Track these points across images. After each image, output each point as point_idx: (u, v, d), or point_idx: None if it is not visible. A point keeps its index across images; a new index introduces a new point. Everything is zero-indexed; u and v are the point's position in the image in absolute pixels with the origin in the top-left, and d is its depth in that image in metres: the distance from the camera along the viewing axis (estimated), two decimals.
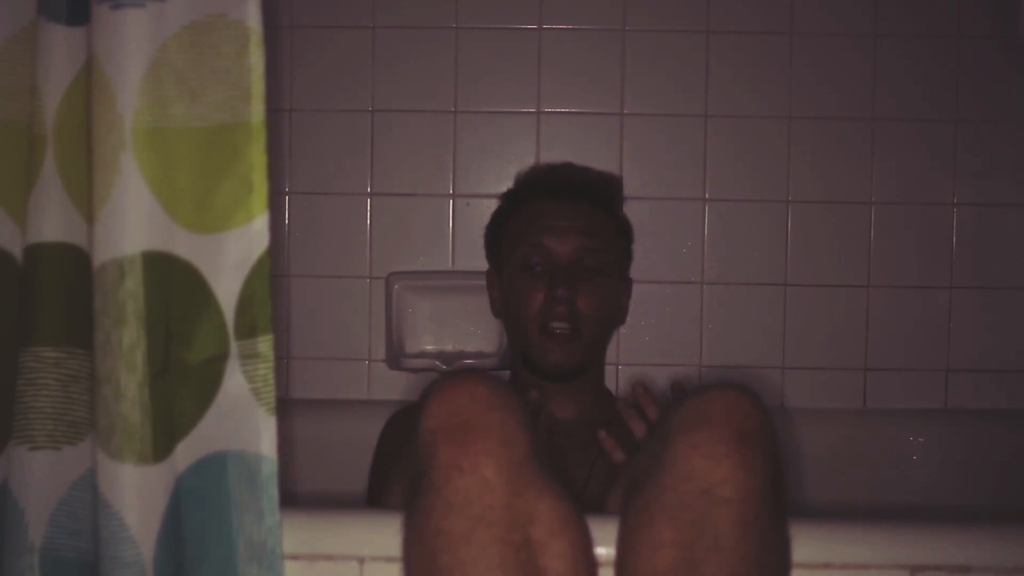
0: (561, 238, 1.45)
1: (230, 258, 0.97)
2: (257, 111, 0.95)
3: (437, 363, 1.77)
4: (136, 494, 0.96)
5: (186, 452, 0.98)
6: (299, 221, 1.86)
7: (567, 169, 1.68)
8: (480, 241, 1.64)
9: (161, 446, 0.97)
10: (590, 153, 1.83)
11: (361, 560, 1.02)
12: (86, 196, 0.99)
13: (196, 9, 0.95)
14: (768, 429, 0.96)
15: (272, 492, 0.97)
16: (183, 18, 0.95)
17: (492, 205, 1.63)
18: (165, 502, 0.98)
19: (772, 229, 1.85)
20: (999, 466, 1.75)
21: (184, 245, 0.97)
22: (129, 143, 0.95)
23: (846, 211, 1.84)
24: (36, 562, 1.02)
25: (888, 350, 1.84)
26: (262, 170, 0.96)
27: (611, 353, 1.76)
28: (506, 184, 1.68)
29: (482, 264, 1.63)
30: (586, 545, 0.94)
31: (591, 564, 0.94)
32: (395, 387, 1.84)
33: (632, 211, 1.82)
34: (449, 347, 1.80)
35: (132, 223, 0.95)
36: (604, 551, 0.96)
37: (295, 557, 1.02)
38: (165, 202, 0.96)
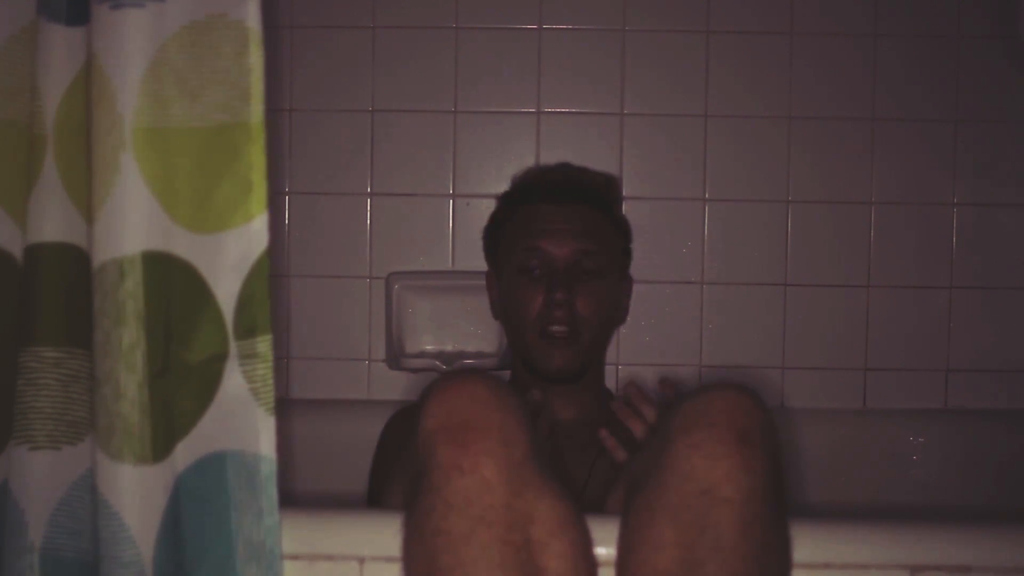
0: (558, 241, 1.45)
1: (229, 258, 0.97)
2: (256, 111, 0.96)
3: (437, 363, 1.77)
4: (136, 494, 0.96)
5: (185, 452, 0.98)
6: (299, 221, 1.86)
7: (563, 170, 1.67)
8: (480, 241, 1.64)
9: (160, 446, 0.97)
10: (590, 153, 1.83)
11: (361, 560, 1.02)
12: (86, 196, 0.98)
13: (196, 9, 0.95)
14: (768, 429, 0.96)
15: (271, 492, 0.97)
16: (183, 18, 0.95)
17: (492, 205, 1.63)
18: (164, 502, 0.98)
19: (772, 229, 1.85)
20: (999, 466, 1.75)
21: (184, 245, 0.97)
22: (129, 143, 0.95)
23: (846, 211, 1.84)
24: (36, 562, 1.02)
25: (888, 350, 1.84)
26: (261, 170, 0.96)
27: (611, 353, 1.76)
28: (506, 184, 1.68)
29: (482, 264, 1.63)
30: (586, 545, 0.94)
31: (591, 564, 0.94)
32: (395, 387, 1.84)
33: (632, 211, 1.83)
34: (449, 347, 1.80)
35: (132, 223, 0.95)
36: (604, 551, 0.96)
37: (295, 557, 1.02)
38: (165, 202, 0.96)
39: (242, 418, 0.97)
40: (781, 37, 1.84)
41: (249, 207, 0.96)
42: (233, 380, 0.98)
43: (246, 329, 0.97)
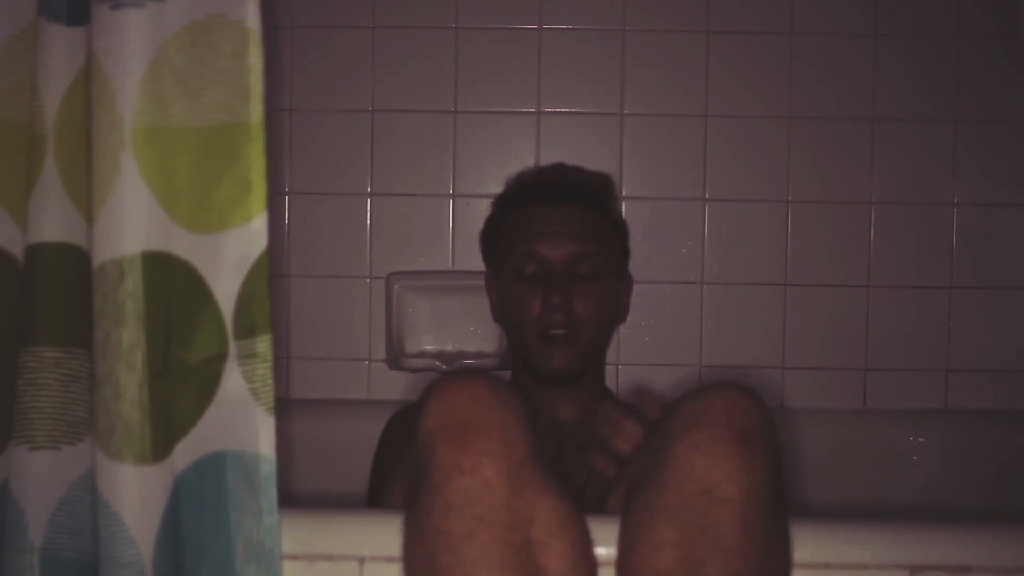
0: (554, 244, 1.45)
1: (229, 258, 0.97)
2: (256, 111, 0.96)
3: (437, 363, 1.77)
4: (135, 494, 0.96)
5: (185, 452, 0.98)
6: (299, 221, 1.86)
7: (557, 172, 1.66)
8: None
9: (160, 446, 0.97)
10: (590, 153, 1.83)
11: (361, 560, 1.02)
12: (86, 196, 0.99)
13: (195, 9, 0.95)
14: (769, 429, 0.96)
15: (271, 492, 0.97)
16: (183, 18, 0.95)
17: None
18: (164, 502, 0.98)
19: (772, 229, 1.85)
20: (999, 466, 1.75)
21: (183, 245, 0.97)
22: (129, 143, 0.95)
23: (846, 211, 1.84)
24: (36, 562, 1.02)
25: (888, 350, 1.84)
26: (261, 170, 0.96)
27: (611, 353, 1.76)
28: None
29: (482, 264, 1.63)
30: (586, 545, 0.94)
31: (591, 564, 0.94)
32: (395, 387, 1.84)
33: (632, 211, 1.83)
34: (449, 347, 1.80)
35: (132, 223, 0.95)
36: (604, 551, 0.96)
37: (295, 557, 1.02)
38: (164, 202, 0.96)
39: (242, 418, 0.97)
40: (781, 37, 1.84)
41: (249, 207, 0.96)
42: (233, 380, 0.98)
43: (246, 329, 0.97)
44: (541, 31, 1.85)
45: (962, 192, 1.84)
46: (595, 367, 1.52)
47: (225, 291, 0.97)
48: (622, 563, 0.95)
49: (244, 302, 0.97)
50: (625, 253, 1.57)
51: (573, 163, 1.79)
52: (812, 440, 1.74)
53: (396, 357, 1.81)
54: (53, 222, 1.01)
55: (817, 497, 1.70)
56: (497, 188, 1.71)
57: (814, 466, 1.71)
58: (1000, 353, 1.84)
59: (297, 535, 1.01)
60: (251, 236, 0.96)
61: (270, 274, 0.97)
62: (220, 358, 0.98)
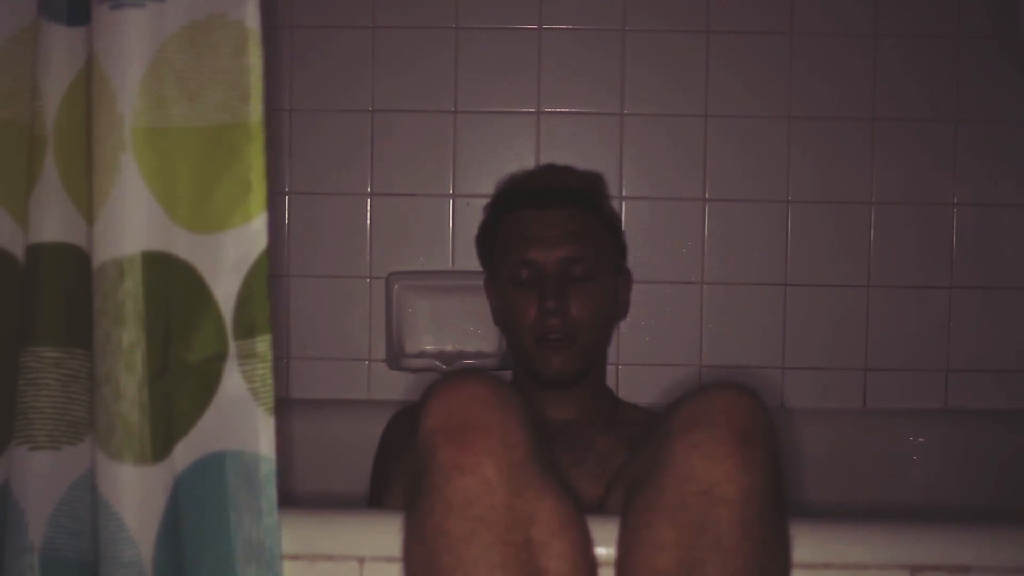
0: (545, 249, 1.44)
1: (229, 258, 0.97)
2: (256, 111, 0.96)
3: (437, 363, 1.77)
4: (135, 494, 0.96)
5: (185, 452, 0.98)
6: (299, 221, 1.86)
7: (546, 174, 1.65)
8: None
9: (160, 446, 0.97)
10: (590, 153, 1.83)
11: (361, 560, 1.02)
12: (86, 196, 0.99)
13: (195, 9, 0.95)
14: (769, 429, 0.96)
15: (271, 492, 0.97)
16: (182, 18, 0.95)
17: None
18: (164, 502, 0.98)
19: (772, 229, 1.85)
20: (999, 466, 1.75)
21: (183, 245, 0.97)
22: (129, 143, 0.95)
23: (846, 211, 1.84)
24: (36, 562, 1.02)
25: (888, 350, 1.84)
26: (260, 170, 0.96)
27: (611, 353, 1.76)
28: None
29: None
30: (586, 545, 0.94)
31: (591, 564, 0.94)
32: (395, 387, 1.84)
33: (632, 211, 1.83)
34: (449, 347, 1.80)
35: (132, 223, 0.95)
36: (604, 551, 0.97)
37: (295, 557, 1.02)
38: (164, 202, 0.96)
39: (242, 418, 0.97)
40: (781, 37, 1.83)
41: (248, 207, 0.96)
42: (233, 380, 0.98)
43: (245, 329, 0.97)
44: (541, 31, 1.85)
45: (962, 192, 1.84)
46: (596, 367, 1.52)
47: (225, 291, 0.97)
48: (622, 563, 0.95)
49: (244, 302, 0.97)
50: (620, 250, 1.57)
51: (574, 163, 1.79)
52: (812, 440, 1.74)
53: (396, 357, 1.81)
54: (53, 222, 1.01)
55: (817, 497, 1.70)
56: None
57: (814, 466, 1.71)
58: (1000, 353, 1.84)
59: (297, 535, 1.01)
60: (251, 236, 0.96)
61: (270, 274, 0.97)
62: (220, 358, 0.98)
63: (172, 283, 0.97)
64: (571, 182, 1.57)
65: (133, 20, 0.94)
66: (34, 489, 1.02)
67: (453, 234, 1.85)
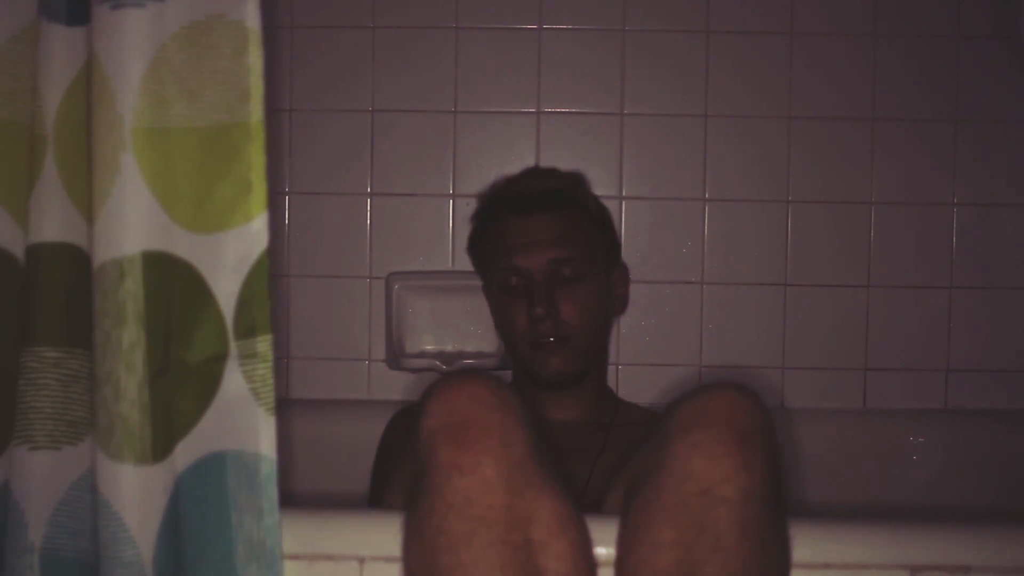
0: (531, 254, 1.44)
1: (229, 258, 0.97)
2: (256, 111, 0.96)
3: (437, 363, 1.77)
4: (135, 494, 0.96)
5: (185, 452, 0.98)
6: (299, 221, 1.86)
7: (525, 179, 1.61)
8: None
9: (160, 446, 0.97)
10: (590, 153, 1.83)
11: (361, 560, 1.02)
12: (86, 196, 0.99)
13: (195, 9, 0.95)
14: (768, 429, 0.96)
15: (271, 492, 0.97)
16: (183, 18, 0.95)
17: None
18: (164, 502, 0.98)
19: (772, 229, 1.85)
20: (999, 466, 1.75)
21: (184, 245, 0.97)
22: (129, 143, 0.95)
23: (846, 211, 1.84)
24: (36, 562, 1.02)
25: (888, 350, 1.84)
26: (261, 170, 0.96)
27: (611, 353, 1.76)
28: None
29: None
30: (586, 545, 0.94)
31: (591, 564, 0.94)
32: (395, 387, 1.84)
33: (632, 211, 1.83)
34: (449, 347, 1.80)
35: (132, 223, 0.95)
36: (604, 551, 0.97)
37: (295, 557, 1.02)
38: (165, 202, 0.96)
39: (242, 418, 0.97)
40: (781, 37, 1.83)
41: (249, 207, 0.96)
42: (233, 380, 0.98)
43: (246, 329, 0.97)
44: (541, 31, 1.85)
45: (962, 192, 1.84)
46: (597, 367, 1.52)
47: (225, 291, 0.97)
48: (621, 563, 0.95)
49: (244, 302, 0.97)
50: (612, 246, 1.56)
51: (574, 163, 1.79)
52: (812, 440, 1.74)
53: (396, 357, 1.81)
54: (53, 222, 1.01)
55: (817, 497, 1.70)
56: None
57: (814, 466, 1.71)
58: (1000, 353, 1.84)
59: (297, 535, 1.01)
60: (251, 236, 0.96)
61: (270, 274, 0.97)
62: (220, 358, 0.98)
63: (172, 283, 0.97)
64: (552, 184, 1.54)
65: (133, 20, 0.94)
66: (34, 489, 1.02)
67: (453, 234, 1.85)
